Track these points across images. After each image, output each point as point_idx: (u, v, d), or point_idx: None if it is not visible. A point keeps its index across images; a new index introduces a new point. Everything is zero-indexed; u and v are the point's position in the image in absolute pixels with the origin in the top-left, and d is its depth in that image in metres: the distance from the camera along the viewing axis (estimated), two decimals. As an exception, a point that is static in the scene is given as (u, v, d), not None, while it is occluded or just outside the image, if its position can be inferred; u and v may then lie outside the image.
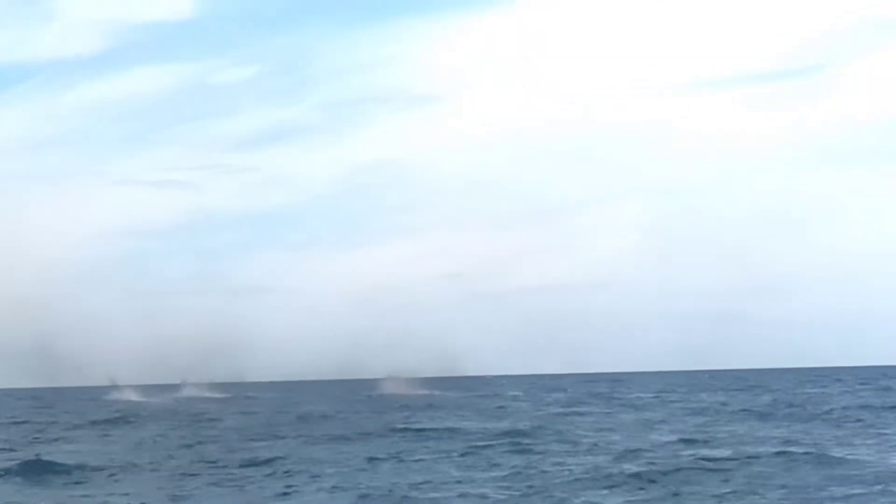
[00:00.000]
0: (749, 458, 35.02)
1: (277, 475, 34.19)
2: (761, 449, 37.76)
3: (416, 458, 38.00)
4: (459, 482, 31.63)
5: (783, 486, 29.25)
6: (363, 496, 29.28)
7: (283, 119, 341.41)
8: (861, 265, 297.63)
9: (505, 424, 53.65)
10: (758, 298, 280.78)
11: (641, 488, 29.90)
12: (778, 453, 35.85)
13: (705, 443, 41.65)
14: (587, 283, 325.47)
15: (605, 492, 29.40)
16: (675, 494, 28.66)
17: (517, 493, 29.39)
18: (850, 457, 35.26)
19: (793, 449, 37.43)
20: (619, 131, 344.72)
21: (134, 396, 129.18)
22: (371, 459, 37.48)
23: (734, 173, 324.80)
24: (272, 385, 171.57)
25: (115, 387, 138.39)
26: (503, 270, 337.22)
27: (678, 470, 32.60)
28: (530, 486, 30.43)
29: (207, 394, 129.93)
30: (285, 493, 30.43)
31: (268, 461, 37.63)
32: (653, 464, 34.24)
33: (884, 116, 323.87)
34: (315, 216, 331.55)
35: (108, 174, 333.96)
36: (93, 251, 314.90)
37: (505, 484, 31.09)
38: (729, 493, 28.53)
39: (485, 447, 41.05)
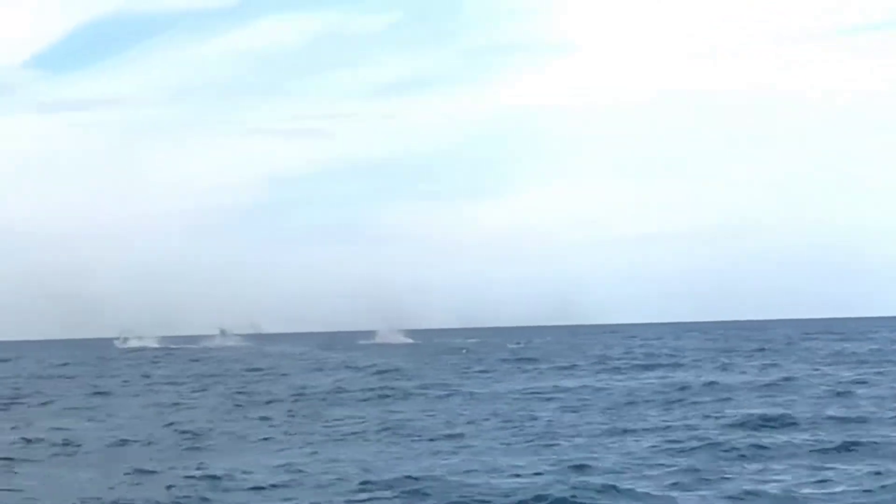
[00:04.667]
0: None
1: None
2: None
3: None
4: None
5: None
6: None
7: (418, 67, 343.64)
8: None
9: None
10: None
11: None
12: None
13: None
14: (719, 230, 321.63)
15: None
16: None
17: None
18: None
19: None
20: (750, 84, 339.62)
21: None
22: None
23: (859, 127, 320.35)
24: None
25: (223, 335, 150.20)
26: (636, 218, 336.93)
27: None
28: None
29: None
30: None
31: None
32: None
33: None
34: (449, 164, 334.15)
35: (244, 123, 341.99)
36: (227, 199, 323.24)
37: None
38: None
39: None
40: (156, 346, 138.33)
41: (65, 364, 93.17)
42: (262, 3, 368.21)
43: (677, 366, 68.42)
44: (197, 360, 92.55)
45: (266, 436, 34.44)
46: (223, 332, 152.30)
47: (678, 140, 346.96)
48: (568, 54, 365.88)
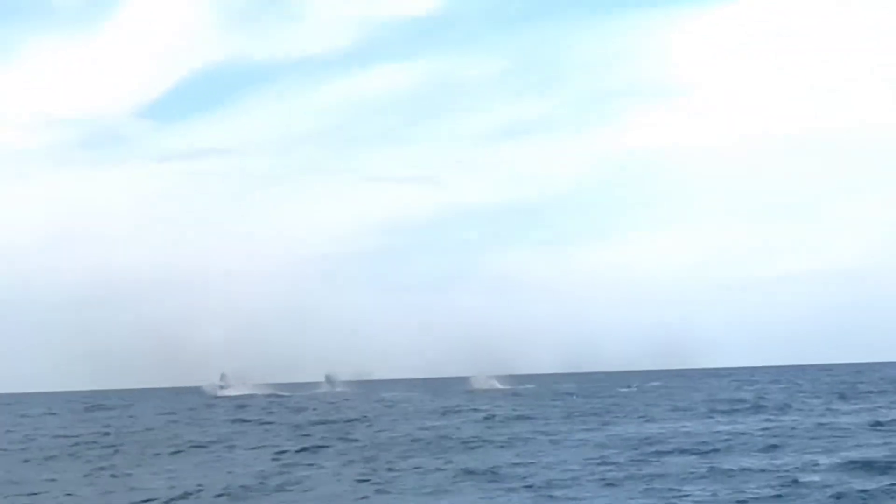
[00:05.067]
0: None
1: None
2: None
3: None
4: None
5: None
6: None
7: (530, 113, 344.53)
8: None
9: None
10: None
11: None
12: None
13: None
14: (830, 273, 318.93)
15: None
16: None
17: None
18: None
19: None
20: (859, 126, 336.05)
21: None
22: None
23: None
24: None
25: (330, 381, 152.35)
26: (748, 262, 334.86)
27: None
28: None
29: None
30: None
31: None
32: None
33: None
34: (560, 210, 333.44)
35: (358, 171, 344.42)
36: (343, 247, 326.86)
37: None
38: None
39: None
40: (260, 393, 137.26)
41: (170, 413, 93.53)
42: (371, 52, 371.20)
43: (788, 407, 67.11)
44: (302, 408, 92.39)
45: (361, 481, 33.93)
46: (329, 379, 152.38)
47: (791, 182, 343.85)
48: (678, 97, 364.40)
